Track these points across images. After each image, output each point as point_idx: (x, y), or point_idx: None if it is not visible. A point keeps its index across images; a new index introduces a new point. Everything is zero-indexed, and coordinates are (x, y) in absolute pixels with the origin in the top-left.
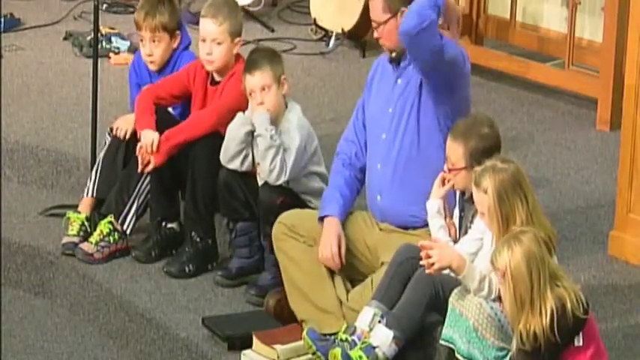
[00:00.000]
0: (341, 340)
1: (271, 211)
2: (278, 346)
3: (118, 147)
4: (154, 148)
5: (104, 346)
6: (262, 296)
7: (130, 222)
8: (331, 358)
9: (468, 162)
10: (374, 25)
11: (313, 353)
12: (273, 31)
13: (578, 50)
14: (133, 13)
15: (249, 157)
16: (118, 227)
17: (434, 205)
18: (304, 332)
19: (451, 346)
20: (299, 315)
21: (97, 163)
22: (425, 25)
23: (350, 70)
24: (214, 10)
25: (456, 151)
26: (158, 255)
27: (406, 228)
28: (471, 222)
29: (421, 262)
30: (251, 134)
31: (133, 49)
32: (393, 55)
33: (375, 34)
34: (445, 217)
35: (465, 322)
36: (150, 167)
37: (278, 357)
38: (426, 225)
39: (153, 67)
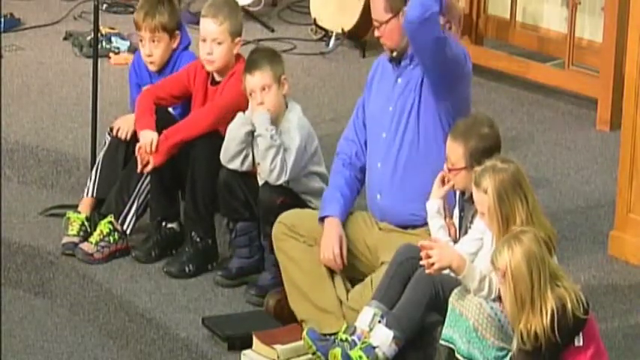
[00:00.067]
0: (341, 340)
1: (271, 211)
2: (278, 346)
3: (118, 147)
4: (153, 148)
5: (104, 346)
6: (262, 296)
7: (130, 222)
8: (331, 358)
9: (468, 162)
10: (375, 24)
11: (313, 353)
12: (273, 31)
13: (578, 50)
14: (133, 13)
15: (250, 157)
16: (118, 227)
17: (434, 205)
18: (304, 332)
19: (451, 346)
20: (299, 315)
21: (97, 163)
22: (427, 15)
23: (350, 70)
24: (215, 10)
25: (455, 151)
26: (158, 255)
27: (406, 227)
28: (471, 222)
29: (421, 262)
30: (251, 134)
31: (133, 49)
32: (394, 54)
33: (377, 33)
34: (445, 217)
35: (465, 322)
36: (149, 167)
37: (278, 357)
38: (426, 224)
39: (152, 68)
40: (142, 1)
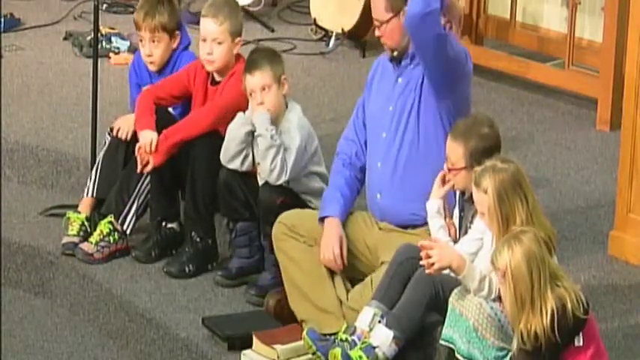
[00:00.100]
0: (341, 340)
1: (271, 211)
2: (278, 346)
3: (118, 147)
4: (153, 148)
5: (104, 346)
6: (262, 296)
7: (130, 222)
8: (331, 358)
9: (468, 162)
10: (376, 23)
11: (313, 353)
12: (273, 31)
13: (578, 50)
14: (133, 13)
15: (250, 157)
16: (118, 227)
17: (434, 205)
18: (304, 332)
19: (451, 346)
20: (299, 315)
21: (97, 163)
22: (429, 10)
23: (350, 70)
24: (215, 10)
25: (455, 151)
26: (158, 255)
27: (406, 227)
28: (471, 222)
29: (421, 262)
30: (251, 134)
31: (133, 49)
32: (395, 54)
33: (377, 33)
34: (445, 217)
35: (465, 322)
36: (149, 167)
37: (278, 357)
38: (426, 224)
39: (152, 68)
40: (142, 1)
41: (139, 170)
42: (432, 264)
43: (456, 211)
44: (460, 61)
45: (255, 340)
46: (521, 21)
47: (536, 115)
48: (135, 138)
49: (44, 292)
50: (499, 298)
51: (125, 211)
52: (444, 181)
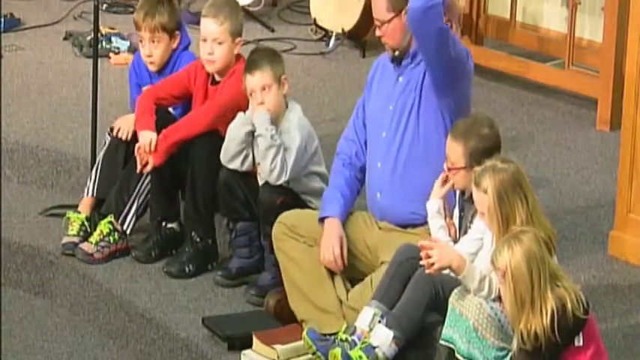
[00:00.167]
0: (341, 340)
1: (271, 211)
2: (278, 346)
3: (118, 147)
4: (152, 148)
5: (104, 346)
6: (262, 296)
7: (130, 222)
8: (331, 358)
9: (468, 162)
10: (377, 23)
11: (313, 353)
12: (273, 31)
13: (578, 50)
14: (133, 13)
15: (250, 157)
16: (118, 227)
17: (434, 205)
18: (304, 332)
19: (451, 346)
20: (299, 315)
21: (97, 163)
22: (431, 4)
23: (350, 70)
24: (215, 10)
25: (455, 150)
26: (158, 255)
27: (406, 226)
28: (471, 222)
29: (421, 262)
30: (251, 134)
31: (133, 49)
32: (396, 53)
33: (378, 33)
34: (445, 217)
35: (465, 322)
36: (148, 167)
37: (278, 357)
38: (426, 223)
39: (152, 68)
40: (141, 1)
41: (138, 170)
42: (432, 264)
43: (456, 211)
44: (461, 58)
45: (255, 340)
46: (521, 21)
47: (536, 115)
48: (135, 138)
49: (44, 292)
50: (499, 298)
51: (125, 211)
52: (444, 182)
